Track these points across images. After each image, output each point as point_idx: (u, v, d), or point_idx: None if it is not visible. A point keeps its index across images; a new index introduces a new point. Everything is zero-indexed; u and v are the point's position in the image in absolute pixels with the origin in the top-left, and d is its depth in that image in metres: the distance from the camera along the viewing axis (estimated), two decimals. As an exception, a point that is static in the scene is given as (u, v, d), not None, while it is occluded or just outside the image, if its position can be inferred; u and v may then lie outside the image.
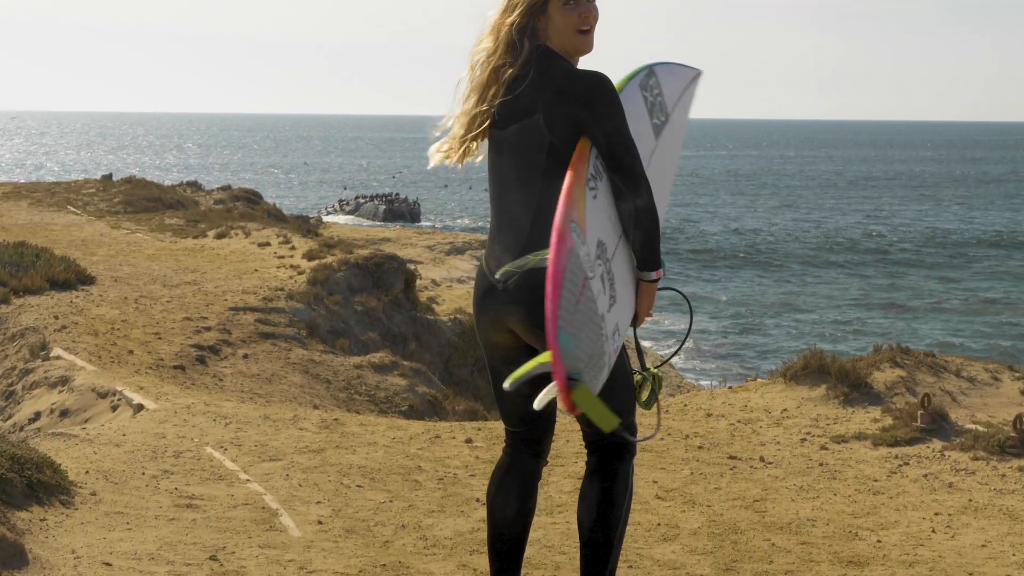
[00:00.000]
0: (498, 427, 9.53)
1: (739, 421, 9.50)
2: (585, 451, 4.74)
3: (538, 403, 3.96)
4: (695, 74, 4.89)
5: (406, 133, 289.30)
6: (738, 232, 66.13)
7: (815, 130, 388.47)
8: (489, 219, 4.59)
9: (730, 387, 10.75)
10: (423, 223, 63.27)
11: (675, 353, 5.33)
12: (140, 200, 28.20)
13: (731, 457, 8.55)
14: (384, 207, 64.05)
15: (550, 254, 3.90)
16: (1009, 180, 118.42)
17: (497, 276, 4.37)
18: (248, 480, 7.62)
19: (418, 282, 31.44)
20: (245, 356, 13.40)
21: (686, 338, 5.19)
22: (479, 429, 9.40)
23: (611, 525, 4.57)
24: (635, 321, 4.47)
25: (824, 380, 9.98)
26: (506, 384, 4.01)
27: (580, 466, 7.99)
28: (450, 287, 31.67)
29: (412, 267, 35.82)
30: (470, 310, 27.98)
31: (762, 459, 8.48)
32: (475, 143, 4.51)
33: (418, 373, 14.49)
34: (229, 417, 9.42)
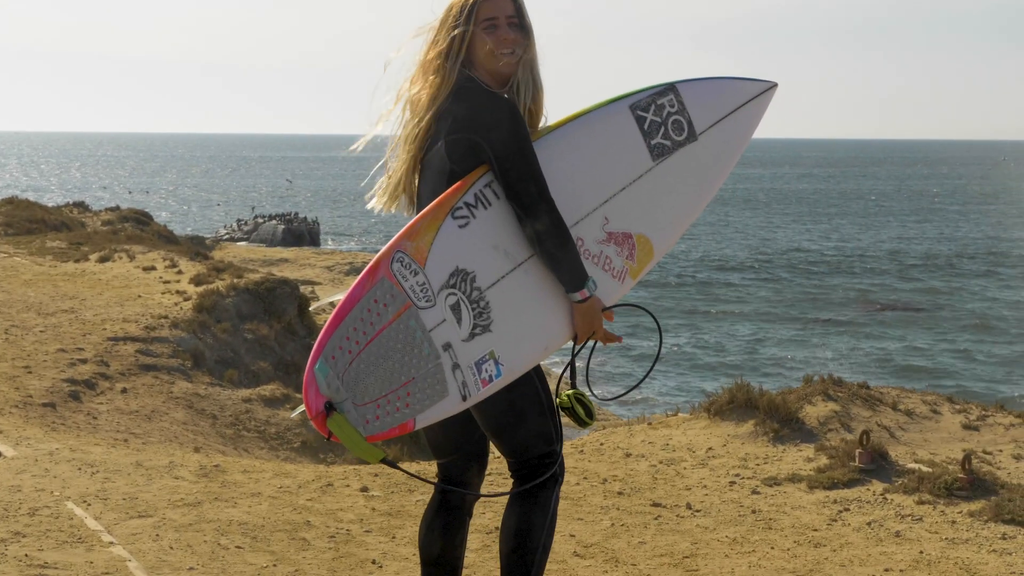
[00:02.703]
0: (396, 472, 8.66)
1: (661, 462, 8.71)
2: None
3: (294, 413, 4.24)
4: (759, 89, 4.62)
5: (298, 152, 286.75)
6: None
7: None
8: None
9: (649, 422, 9.95)
10: (324, 245, 62.21)
11: (642, 381, 5.07)
12: (22, 222, 26.90)
13: (655, 504, 7.75)
14: (283, 227, 62.82)
15: (352, 286, 4.10)
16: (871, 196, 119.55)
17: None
18: (112, 543, 6.67)
19: (316, 304, 30.49)
20: (124, 391, 12.38)
21: (654, 363, 4.85)
22: (376, 475, 8.52)
23: (528, 551, 4.43)
24: (576, 341, 4.35)
25: (751, 415, 9.23)
26: (292, 414, 4.00)
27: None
28: (349, 310, 30.77)
29: (310, 289, 34.82)
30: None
31: (689, 506, 7.69)
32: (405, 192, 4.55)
33: (312, 407, 13.55)
34: (96, 465, 8.44)
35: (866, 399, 9.48)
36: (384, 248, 4.15)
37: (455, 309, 4.13)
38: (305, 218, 67.08)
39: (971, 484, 7.58)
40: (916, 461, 8.32)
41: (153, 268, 18.61)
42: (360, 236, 71.78)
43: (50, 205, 34.15)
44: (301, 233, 62.82)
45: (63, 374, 12.32)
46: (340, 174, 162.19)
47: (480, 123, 4.24)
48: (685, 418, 9.69)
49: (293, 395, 13.76)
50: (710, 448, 8.91)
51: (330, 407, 3.98)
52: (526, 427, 4.37)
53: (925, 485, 7.67)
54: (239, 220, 69.65)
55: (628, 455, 8.91)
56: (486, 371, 4.16)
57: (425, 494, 8.04)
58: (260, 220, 66.27)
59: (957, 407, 9.58)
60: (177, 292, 16.56)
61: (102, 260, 19.60)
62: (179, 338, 14.28)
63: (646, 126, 4.45)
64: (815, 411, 9.28)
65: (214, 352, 14.65)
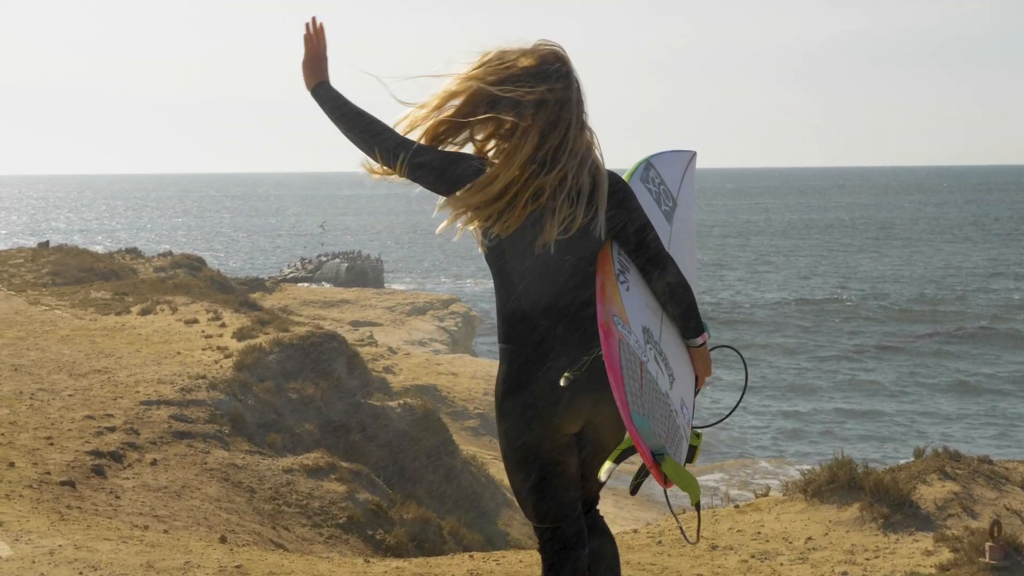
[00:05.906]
0: (445, 572, 7.48)
1: (753, 556, 7.47)
2: None
3: (603, 474, 4.24)
4: (690, 156, 5.16)
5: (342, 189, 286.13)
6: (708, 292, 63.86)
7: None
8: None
9: (736, 505, 8.70)
10: (388, 285, 61.39)
11: (729, 414, 5.12)
12: (71, 271, 26.01)
13: (750, 615, 6.52)
14: (346, 265, 61.98)
15: (603, 348, 4.13)
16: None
17: (562, 383, 4.25)
18: None
19: (374, 349, 29.38)
20: (153, 462, 11.30)
21: (741, 398, 5.05)
22: (421, 576, 7.35)
23: None
24: (697, 386, 4.55)
25: (856, 497, 7.96)
26: (602, 475, 4.23)
27: None
28: (408, 355, 29.63)
29: (368, 332, 33.77)
30: (424, 380, 25.93)
31: (791, 617, 6.45)
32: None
33: (359, 476, 12.34)
34: (100, 568, 7.33)
35: (989, 476, 8.18)
36: (600, 312, 4.21)
37: (657, 362, 4.30)
38: (368, 255, 66.32)
39: None
40: (1058, 556, 7.03)
41: (196, 321, 17.56)
42: (428, 272, 71.11)
43: (101, 251, 33.36)
44: (364, 271, 61.97)
45: (88, 445, 11.26)
46: (393, 210, 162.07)
47: (619, 198, 4.33)
48: (778, 499, 8.44)
49: (338, 463, 12.61)
50: (810, 538, 7.65)
51: (656, 455, 4.05)
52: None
53: (1074, 589, 6.40)
54: (303, 259, 68.90)
55: (714, 547, 7.68)
56: (685, 415, 4.36)
57: (477, 602, 6.87)
58: (323, 259, 65.52)
59: (1096, 484, 8.25)
60: (218, 348, 15.48)
61: (144, 312, 18.58)
62: (217, 401, 13.19)
63: (654, 196, 4.85)
64: (931, 492, 8.00)
65: (255, 415, 13.53)
